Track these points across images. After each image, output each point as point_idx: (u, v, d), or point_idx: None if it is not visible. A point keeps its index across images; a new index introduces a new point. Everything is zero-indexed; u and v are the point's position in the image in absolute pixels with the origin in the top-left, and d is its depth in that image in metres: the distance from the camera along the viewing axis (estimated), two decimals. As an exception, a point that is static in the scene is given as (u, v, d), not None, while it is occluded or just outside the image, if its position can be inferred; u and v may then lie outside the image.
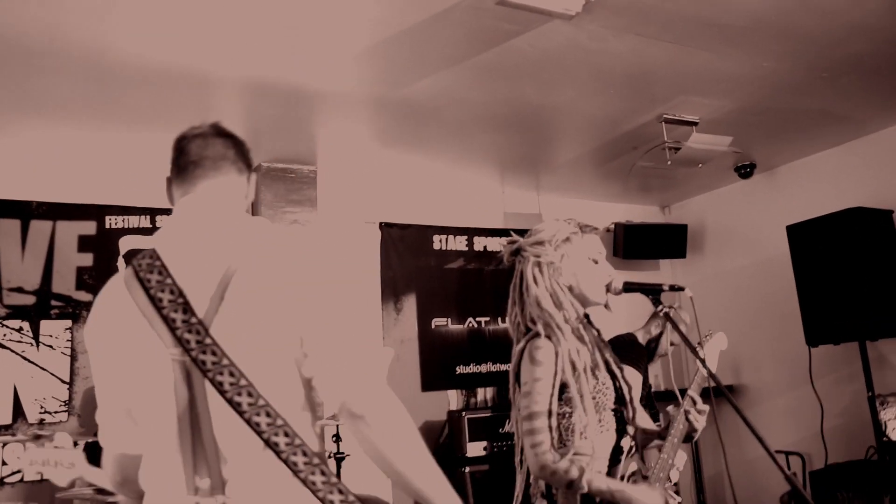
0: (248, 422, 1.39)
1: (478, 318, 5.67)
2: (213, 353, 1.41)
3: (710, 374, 2.16)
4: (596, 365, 2.15)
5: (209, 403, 1.42)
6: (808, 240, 4.98)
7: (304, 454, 1.38)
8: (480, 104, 4.24)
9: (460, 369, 5.49)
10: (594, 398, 2.10)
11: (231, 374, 1.41)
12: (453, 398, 5.49)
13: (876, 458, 4.67)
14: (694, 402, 2.31)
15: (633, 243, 6.32)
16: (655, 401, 4.03)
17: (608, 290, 2.22)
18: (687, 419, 2.32)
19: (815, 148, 5.59)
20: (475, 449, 4.86)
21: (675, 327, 2.15)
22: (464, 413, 4.98)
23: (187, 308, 1.43)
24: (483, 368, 5.57)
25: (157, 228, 4.52)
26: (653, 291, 2.21)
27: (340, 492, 1.38)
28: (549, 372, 2.07)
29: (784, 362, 5.64)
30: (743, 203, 6.26)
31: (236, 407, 1.39)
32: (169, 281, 1.44)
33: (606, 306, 2.24)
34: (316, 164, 5.02)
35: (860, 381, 4.85)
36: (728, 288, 6.30)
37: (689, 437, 2.35)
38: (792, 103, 4.56)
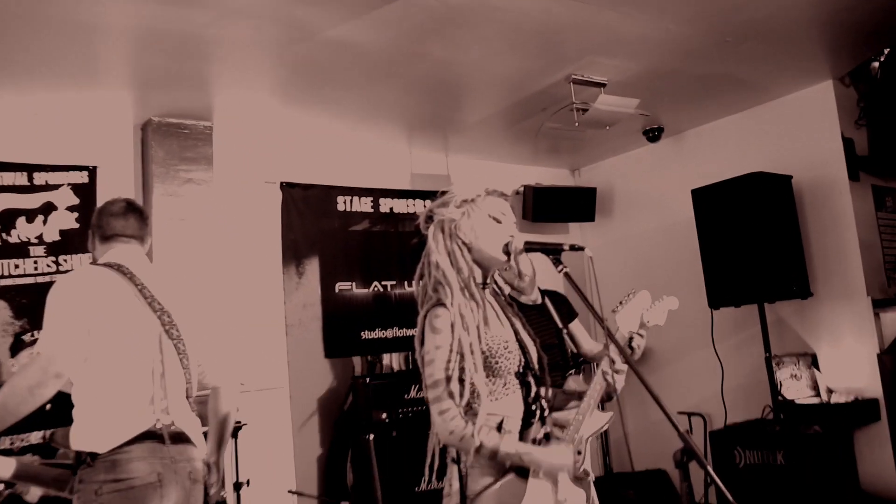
0: (184, 371, 2.63)
1: (383, 282, 5.65)
2: (175, 330, 2.63)
3: (611, 338, 2.23)
4: (487, 324, 2.17)
5: (168, 357, 2.57)
6: (711, 204, 5.08)
7: None
8: (385, 61, 4.20)
9: (365, 334, 5.48)
10: (492, 360, 2.13)
11: (182, 344, 2.63)
12: (358, 364, 5.50)
13: (772, 416, 4.85)
14: (612, 362, 2.37)
15: (542, 206, 6.39)
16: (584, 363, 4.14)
17: (507, 249, 2.25)
18: (605, 379, 2.37)
19: (720, 113, 5.70)
20: (380, 415, 4.89)
21: (576, 288, 2.17)
22: (368, 379, 5.00)
23: (159, 303, 2.60)
24: (389, 333, 5.57)
25: (36, 186, 4.37)
26: (553, 251, 2.24)
27: None
28: (447, 339, 2.11)
29: (688, 325, 5.45)
30: (650, 167, 6.36)
31: (182, 363, 2.61)
32: (146, 285, 2.60)
33: (509, 266, 2.31)
34: (212, 120, 4.90)
35: (759, 343, 5.00)
36: (635, 251, 6.43)
37: (609, 397, 2.41)
38: (697, 68, 4.64)
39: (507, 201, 2.34)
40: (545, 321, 4.01)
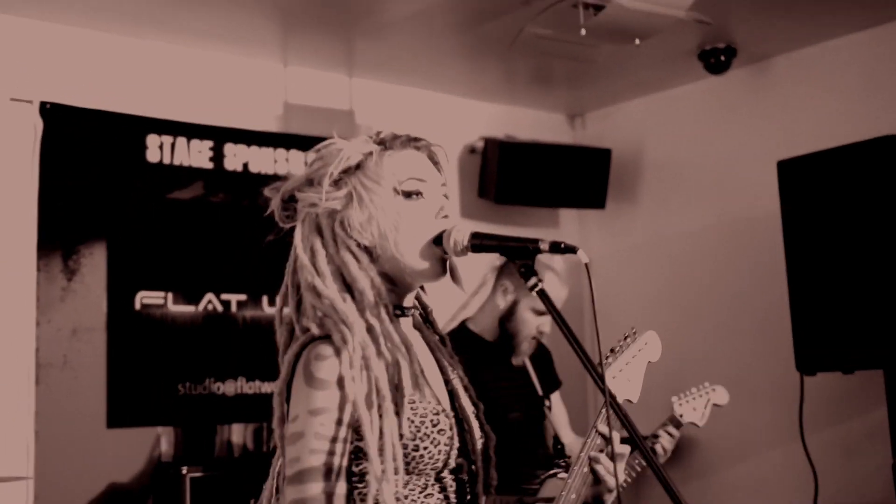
0: None
1: (224, 296, 5.71)
2: None
3: (613, 405, 2.28)
4: (418, 386, 2.25)
5: None
6: (812, 187, 5.12)
7: None
8: None
9: (187, 389, 5.49)
10: (412, 448, 2.19)
11: None
12: (170, 441, 5.47)
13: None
14: (607, 442, 2.48)
15: (513, 177, 6.48)
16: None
17: (442, 244, 2.28)
18: (592, 471, 2.51)
19: (834, 30, 5.76)
20: None
21: (557, 318, 2.24)
22: (185, 469, 5.00)
23: None
24: (230, 388, 5.63)
25: None
26: (520, 252, 2.27)
27: None
28: (334, 400, 2.14)
29: (759, 400, 5.83)
30: (708, 118, 6.48)
31: None
32: None
33: (450, 274, 2.36)
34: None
35: (882, 438, 4.99)
36: (674, 265, 6.57)
37: (597, 503, 2.56)
38: None
39: (427, 154, 2.40)
40: (518, 380, 4.29)
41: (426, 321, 2.48)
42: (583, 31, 4.77)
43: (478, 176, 6.48)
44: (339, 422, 2.14)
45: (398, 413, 2.18)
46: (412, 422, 2.20)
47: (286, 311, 2.36)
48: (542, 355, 4.45)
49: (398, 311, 2.32)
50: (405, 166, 2.32)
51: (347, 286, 2.25)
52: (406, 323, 2.35)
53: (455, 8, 5.27)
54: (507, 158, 6.38)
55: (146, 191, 5.50)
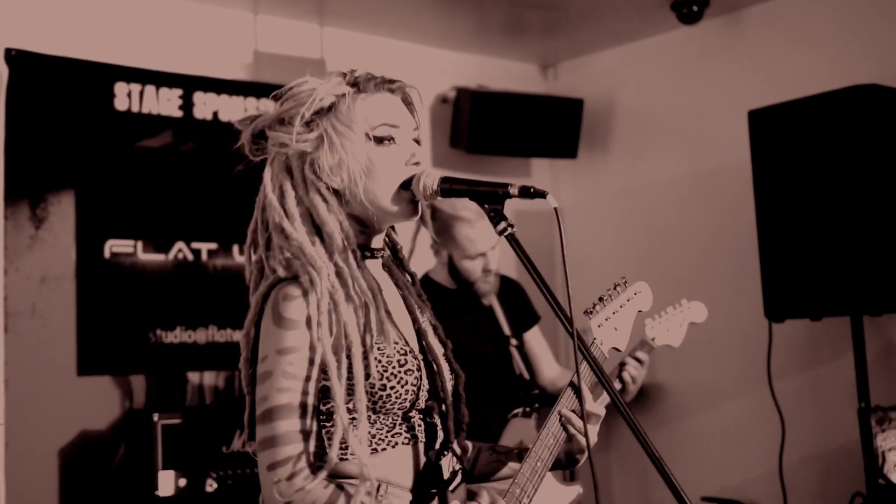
0: None
1: (194, 245, 5.68)
2: None
3: (583, 353, 2.29)
4: (383, 332, 2.26)
5: None
6: (782, 137, 5.10)
7: None
8: None
9: (158, 336, 5.50)
10: (378, 387, 2.22)
11: None
12: (141, 389, 5.46)
13: (865, 513, 4.90)
14: (580, 399, 2.46)
15: (485, 126, 6.45)
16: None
17: (413, 190, 2.30)
18: (563, 428, 2.49)
19: None
20: (172, 484, 4.89)
21: (528, 263, 2.22)
22: (156, 416, 4.96)
23: None
24: (202, 336, 5.64)
25: None
26: (489, 197, 2.29)
27: None
28: (304, 340, 2.18)
29: (727, 347, 5.90)
30: (680, 68, 6.47)
31: None
32: None
33: (420, 222, 2.56)
34: None
35: (849, 384, 4.99)
36: (644, 214, 6.58)
37: (571, 461, 2.56)
38: None
39: (402, 96, 2.42)
40: (483, 323, 4.32)
41: (396, 259, 2.51)
42: None
43: (449, 125, 6.46)
44: (307, 360, 2.18)
45: (365, 357, 2.21)
46: (379, 361, 2.22)
47: (257, 255, 2.38)
48: (513, 293, 4.47)
49: (367, 253, 2.36)
50: (378, 111, 2.33)
51: (316, 228, 2.28)
52: (375, 265, 2.38)
53: None
54: (478, 108, 6.35)
55: (115, 139, 5.44)
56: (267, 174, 2.33)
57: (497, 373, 4.23)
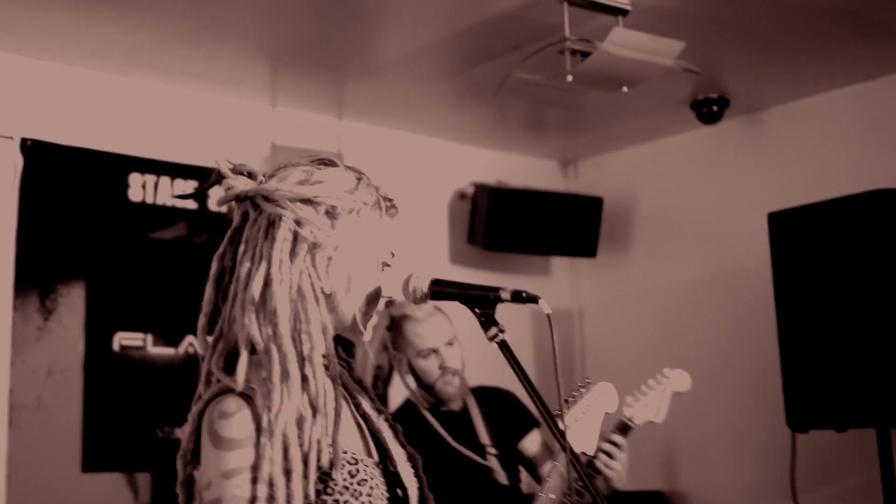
0: None
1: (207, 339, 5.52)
2: None
3: (559, 440, 2.28)
4: (335, 442, 2.17)
5: None
6: (802, 240, 5.08)
7: None
8: None
9: (165, 432, 5.46)
10: (330, 502, 2.14)
11: None
12: (145, 486, 5.42)
13: None
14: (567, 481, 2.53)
15: (504, 224, 6.45)
16: None
17: (372, 305, 2.30)
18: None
19: (831, 82, 5.71)
20: None
21: (517, 369, 2.21)
22: None
23: None
24: None
25: None
26: (480, 301, 2.26)
27: None
28: (247, 460, 2.05)
29: (750, 455, 5.82)
30: (700, 167, 6.48)
31: None
32: None
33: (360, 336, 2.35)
34: None
35: (876, 498, 4.87)
36: (664, 315, 6.54)
37: None
38: None
39: (394, 216, 2.41)
40: (461, 436, 4.23)
41: (343, 361, 2.38)
42: (569, 78, 4.69)
43: (467, 222, 6.46)
44: (255, 480, 2.05)
45: (306, 476, 2.09)
46: (328, 475, 2.12)
47: (216, 335, 2.24)
48: (500, 402, 4.39)
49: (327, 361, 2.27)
50: (392, 237, 2.31)
51: (297, 324, 2.14)
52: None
53: (446, 51, 5.28)
54: (497, 204, 6.36)
55: (127, 230, 5.48)
56: (276, 250, 2.16)
57: (477, 483, 4.14)
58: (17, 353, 5.08)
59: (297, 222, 2.15)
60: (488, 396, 4.34)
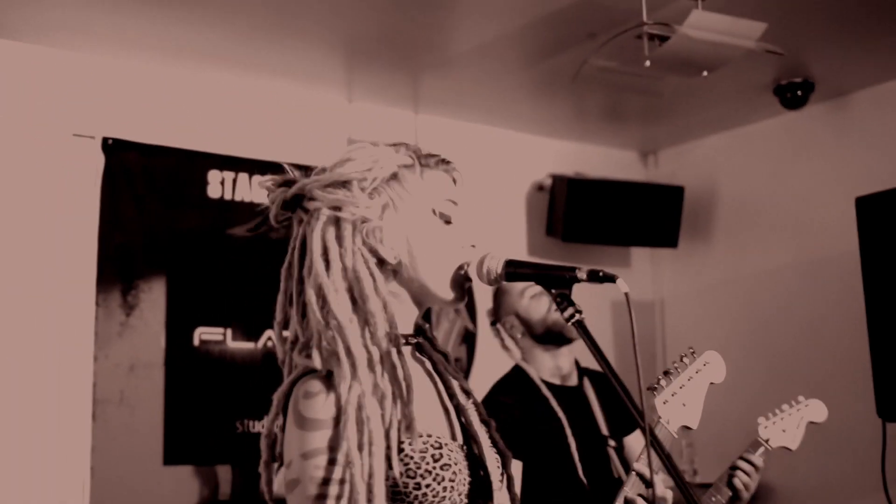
0: None
1: (284, 333, 5.49)
2: None
3: (653, 443, 2.25)
4: (411, 426, 2.16)
5: None
6: (892, 222, 4.96)
7: None
8: None
9: (245, 426, 5.52)
10: (411, 486, 2.13)
11: None
12: (225, 479, 5.47)
13: None
14: (647, 485, 2.47)
15: (582, 215, 6.49)
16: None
17: (464, 277, 2.27)
18: None
19: None
20: None
21: (597, 353, 2.19)
22: None
23: None
24: None
25: None
26: (556, 280, 2.23)
27: None
28: (328, 441, 2.08)
29: (838, 447, 5.73)
30: (785, 154, 6.47)
31: None
32: None
33: (460, 304, 2.35)
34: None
35: None
36: (748, 305, 6.55)
37: None
38: None
39: (453, 177, 2.37)
40: (575, 417, 4.03)
41: (426, 339, 2.38)
42: (647, 63, 4.70)
43: (546, 213, 6.50)
44: (332, 462, 2.07)
45: (388, 456, 2.11)
46: (411, 458, 2.13)
47: (292, 330, 2.27)
48: (613, 391, 4.21)
49: (409, 336, 2.29)
50: (442, 187, 2.29)
51: (356, 306, 2.16)
52: (407, 351, 2.28)
53: (521, 42, 5.30)
54: (575, 195, 6.40)
55: (206, 226, 5.56)
56: (315, 237, 2.20)
57: (591, 473, 3.98)
58: (99, 349, 5.15)
59: (333, 207, 2.18)
60: (604, 382, 4.13)
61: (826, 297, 6.01)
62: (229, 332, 5.54)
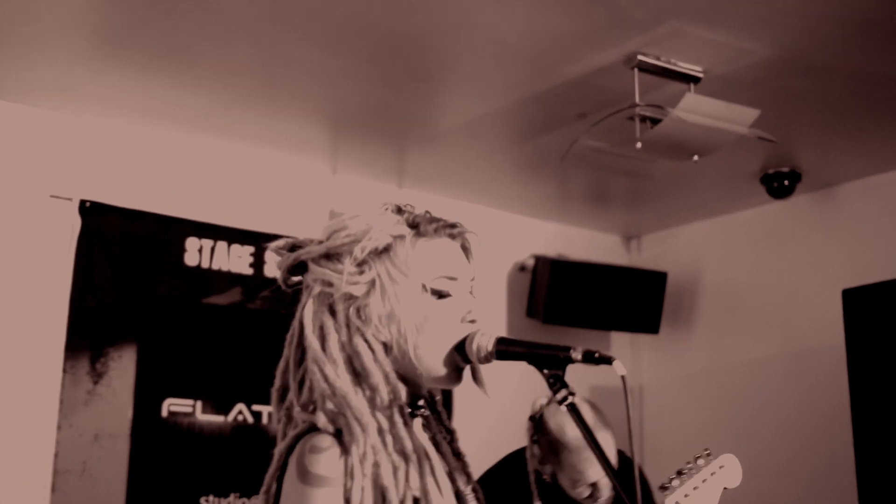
0: None
1: (255, 407, 5.71)
2: None
3: None
4: (428, 499, 2.12)
5: None
6: (879, 317, 5.09)
7: None
8: (303, 11, 4.36)
9: (210, 503, 5.47)
10: None
11: None
12: None
13: None
14: None
15: (565, 297, 6.52)
16: None
17: (465, 354, 2.19)
18: None
19: None
20: None
21: (583, 428, 2.14)
22: None
23: None
24: None
25: None
26: (549, 361, 2.15)
27: None
28: (335, 500, 2.05)
29: None
30: (771, 243, 6.52)
31: None
32: None
33: (473, 378, 2.31)
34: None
35: None
36: (730, 396, 6.54)
37: None
38: (878, 61, 4.63)
39: (460, 242, 2.34)
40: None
41: (434, 413, 2.35)
42: (638, 145, 4.71)
43: (527, 294, 6.51)
44: None
45: None
46: None
47: (286, 402, 2.26)
48: (621, 465, 4.04)
49: (410, 410, 2.23)
50: (438, 260, 2.23)
51: (359, 378, 2.14)
52: (416, 423, 2.24)
53: (510, 120, 5.35)
54: (557, 277, 6.43)
55: (182, 294, 5.58)
56: (308, 311, 2.20)
57: None
58: (64, 417, 5.11)
59: (323, 282, 2.18)
60: (626, 467, 4.03)
61: (809, 391, 5.97)
62: (199, 404, 5.52)
